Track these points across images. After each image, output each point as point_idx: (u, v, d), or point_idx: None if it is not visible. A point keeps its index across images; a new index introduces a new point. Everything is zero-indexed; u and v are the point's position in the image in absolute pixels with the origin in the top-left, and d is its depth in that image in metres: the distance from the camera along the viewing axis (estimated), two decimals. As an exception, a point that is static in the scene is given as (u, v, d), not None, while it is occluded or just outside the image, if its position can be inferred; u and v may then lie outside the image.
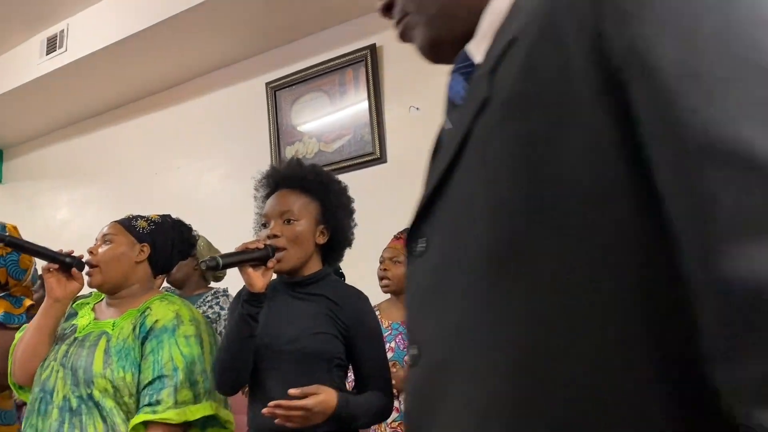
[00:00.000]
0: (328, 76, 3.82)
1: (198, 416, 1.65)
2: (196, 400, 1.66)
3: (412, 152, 3.52)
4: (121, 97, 4.63)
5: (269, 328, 1.62)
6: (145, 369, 1.66)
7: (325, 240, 1.74)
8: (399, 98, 3.58)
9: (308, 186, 1.74)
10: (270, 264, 1.58)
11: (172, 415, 1.61)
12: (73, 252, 1.80)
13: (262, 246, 1.59)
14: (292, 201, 1.70)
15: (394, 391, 2.24)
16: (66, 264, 1.77)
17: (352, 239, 1.82)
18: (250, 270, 1.56)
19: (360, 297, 1.71)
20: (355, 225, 1.83)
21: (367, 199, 3.57)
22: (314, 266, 1.72)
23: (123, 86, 4.47)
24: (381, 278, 2.57)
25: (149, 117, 4.64)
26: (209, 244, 2.92)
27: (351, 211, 1.82)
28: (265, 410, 1.48)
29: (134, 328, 1.72)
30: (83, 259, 1.80)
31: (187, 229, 1.99)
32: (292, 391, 1.47)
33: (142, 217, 1.91)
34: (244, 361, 1.58)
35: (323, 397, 1.48)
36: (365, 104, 3.64)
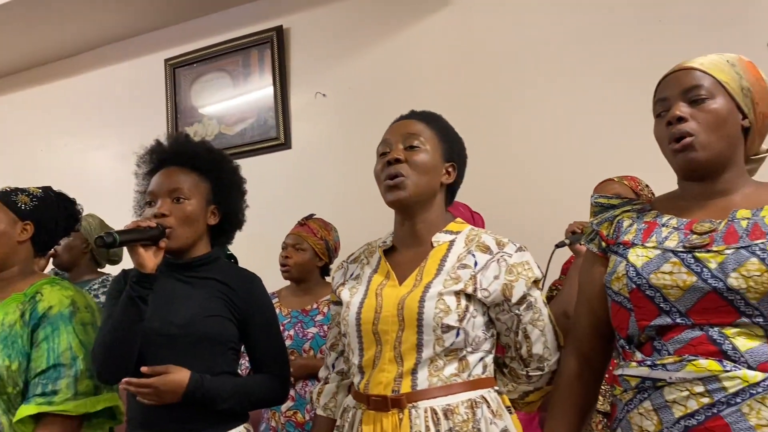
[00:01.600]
0: (232, 57, 3.70)
1: (100, 407, 1.57)
2: (96, 391, 1.58)
3: (317, 139, 3.49)
4: (6, 66, 4.30)
5: (158, 311, 1.54)
6: (37, 357, 1.55)
7: (216, 221, 1.68)
8: (305, 83, 3.52)
9: (199, 164, 1.66)
10: (162, 244, 1.51)
11: (71, 407, 1.52)
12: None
13: (154, 225, 1.51)
14: (182, 179, 1.62)
15: (292, 379, 2.24)
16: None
17: (243, 221, 1.76)
18: (141, 249, 1.48)
19: (253, 280, 1.67)
20: (247, 207, 1.77)
21: (271, 185, 3.52)
22: (203, 248, 1.66)
23: (9, 54, 4.15)
24: (282, 265, 2.52)
25: (37, 89, 4.32)
26: (102, 223, 2.76)
27: (243, 192, 1.75)
28: (120, 386, 1.49)
29: (23, 315, 1.59)
30: None
31: (71, 203, 1.84)
32: (143, 369, 1.46)
33: (22, 191, 1.74)
34: (131, 346, 1.49)
35: (171, 377, 1.46)
36: (270, 88, 3.56)
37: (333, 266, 2.49)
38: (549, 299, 2.04)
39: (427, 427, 1.29)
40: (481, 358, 1.38)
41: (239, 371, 1.70)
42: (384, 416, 1.32)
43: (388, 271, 1.45)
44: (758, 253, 1.08)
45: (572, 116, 2.89)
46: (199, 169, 1.66)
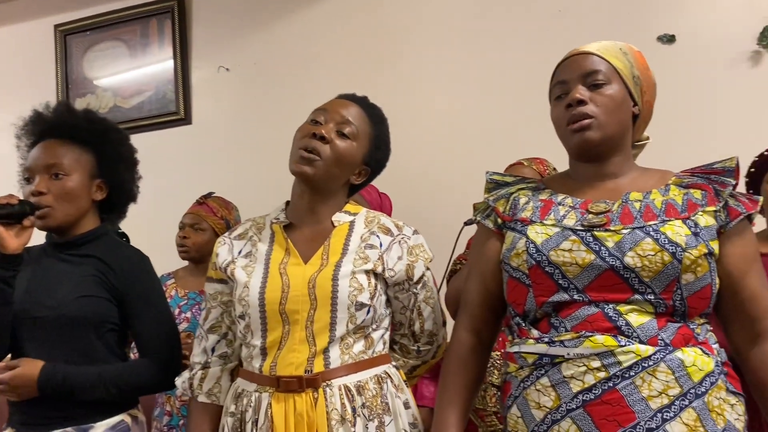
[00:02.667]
0: (129, 26, 3.51)
1: None
2: None
3: (219, 115, 3.36)
4: None
5: (30, 294, 1.47)
6: None
7: (104, 196, 1.60)
8: (208, 57, 3.39)
9: (81, 135, 1.57)
10: (26, 222, 1.42)
11: None
12: None
13: (15, 201, 1.42)
14: (61, 153, 1.53)
15: (188, 362, 2.14)
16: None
17: (135, 194, 1.68)
18: (1, 229, 1.39)
19: (137, 257, 1.59)
20: (140, 178, 1.68)
21: (169, 162, 3.37)
22: (89, 224, 1.58)
23: None
24: (180, 245, 2.41)
25: None
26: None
27: (133, 163, 1.66)
28: None
29: None
30: None
31: None
32: None
33: None
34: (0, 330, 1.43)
35: (20, 372, 1.42)
36: (170, 60, 3.41)
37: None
38: (453, 273, 2.06)
39: (342, 404, 1.30)
40: (382, 335, 1.42)
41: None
42: (297, 396, 1.30)
43: (288, 249, 1.41)
44: (652, 233, 1.12)
45: (474, 99, 2.94)
46: (81, 141, 1.56)
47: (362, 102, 1.47)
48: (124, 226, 1.83)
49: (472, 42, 2.98)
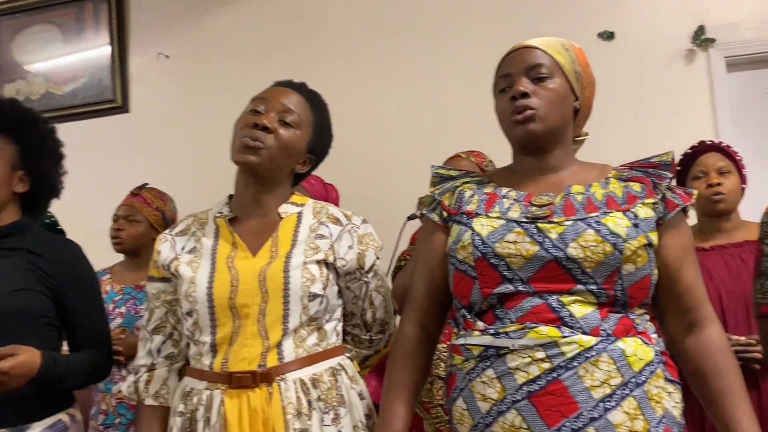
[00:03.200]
0: (63, 9, 3.37)
1: None
2: None
3: (158, 103, 3.26)
4: None
5: None
6: None
7: (26, 188, 1.53)
8: (147, 43, 3.29)
9: (3, 124, 1.50)
10: None
11: None
12: None
13: None
14: None
15: (122, 358, 2.08)
16: None
17: (60, 188, 1.61)
18: None
19: (69, 247, 1.54)
20: (65, 173, 1.62)
21: (105, 151, 3.26)
22: (10, 217, 1.51)
23: None
24: (113, 237, 2.32)
25: None
26: None
27: (59, 156, 1.60)
28: None
29: None
30: None
31: None
32: None
33: None
34: None
35: (23, 358, 1.34)
36: (107, 46, 3.30)
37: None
38: (398, 269, 2.06)
39: (297, 397, 1.28)
40: (335, 327, 1.41)
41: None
42: (251, 392, 1.27)
43: (235, 242, 1.37)
44: (594, 225, 1.14)
45: (421, 93, 2.95)
46: (5, 131, 1.49)
47: (302, 89, 1.45)
48: (59, 218, 1.75)
49: (418, 38, 2.99)
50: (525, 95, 1.21)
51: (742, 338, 1.83)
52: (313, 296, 1.32)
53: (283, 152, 1.36)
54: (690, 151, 2.07)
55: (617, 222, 1.14)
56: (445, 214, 1.30)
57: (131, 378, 1.43)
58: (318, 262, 1.35)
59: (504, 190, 1.27)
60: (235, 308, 1.31)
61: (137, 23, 3.31)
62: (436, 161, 2.18)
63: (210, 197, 1.55)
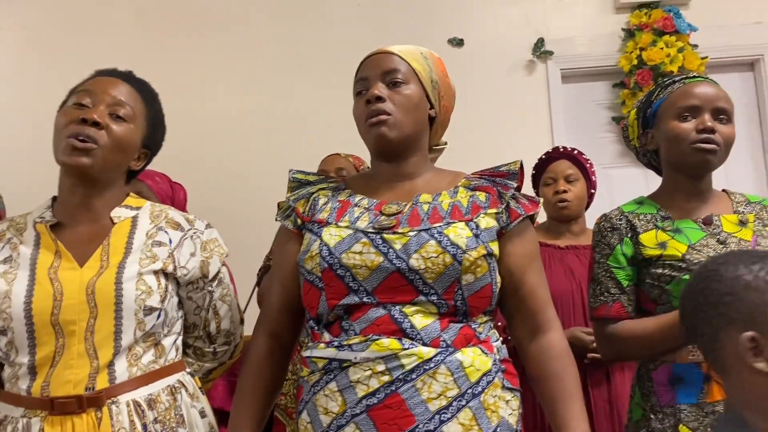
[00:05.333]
0: None
1: None
2: None
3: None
4: None
5: None
6: None
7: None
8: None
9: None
10: None
11: None
12: None
13: None
14: None
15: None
16: None
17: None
18: None
19: None
20: None
21: None
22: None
23: None
24: None
25: None
26: None
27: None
28: None
29: None
30: None
31: None
32: None
33: None
34: None
35: None
36: None
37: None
38: (266, 269, 2.00)
39: (131, 421, 1.19)
40: (174, 341, 1.33)
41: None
42: (76, 418, 1.16)
43: (58, 251, 1.25)
44: (436, 236, 1.16)
45: (281, 93, 2.92)
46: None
47: (130, 78, 1.34)
48: None
49: (277, 39, 2.95)
50: (379, 99, 1.22)
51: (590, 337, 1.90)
52: (150, 310, 1.23)
53: (117, 150, 1.26)
54: (543, 156, 2.19)
55: (458, 233, 1.16)
56: (299, 221, 1.28)
57: None
58: (155, 272, 1.26)
59: (357, 198, 1.26)
60: (59, 325, 1.19)
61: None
62: (309, 160, 2.16)
63: (44, 191, 1.41)
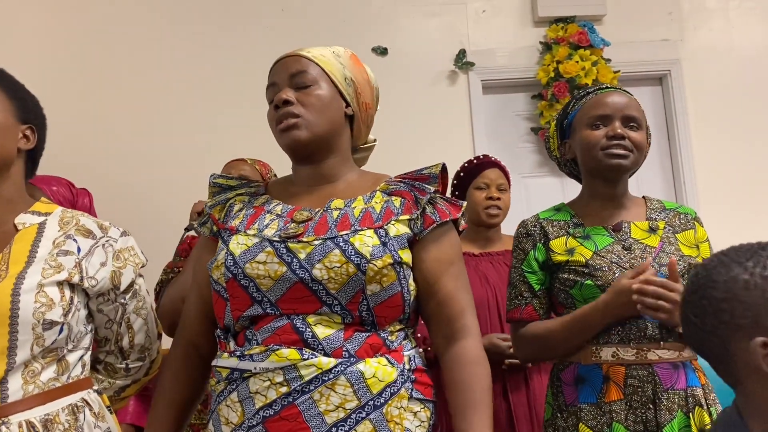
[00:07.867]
0: None
1: None
2: None
3: None
4: None
5: None
6: None
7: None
8: None
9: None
10: None
11: None
12: None
13: None
14: None
15: None
16: None
17: None
18: None
19: None
20: None
21: None
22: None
23: None
24: None
25: None
26: None
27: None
28: None
29: None
30: None
31: None
32: None
33: None
34: None
35: None
36: None
37: None
38: (166, 282, 1.94)
39: None
40: (81, 357, 1.26)
41: None
42: None
43: None
44: (341, 244, 1.12)
45: (199, 97, 2.86)
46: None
47: None
48: None
49: (200, 40, 2.89)
50: (287, 103, 1.20)
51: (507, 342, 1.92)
52: (50, 324, 1.16)
53: None
54: (475, 161, 2.22)
55: (364, 241, 1.13)
56: (215, 228, 1.24)
57: None
58: (59, 283, 1.19)
59: (272, 204, 1.23)
60: None
61: None
62: (215, 167, 2.11)
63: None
